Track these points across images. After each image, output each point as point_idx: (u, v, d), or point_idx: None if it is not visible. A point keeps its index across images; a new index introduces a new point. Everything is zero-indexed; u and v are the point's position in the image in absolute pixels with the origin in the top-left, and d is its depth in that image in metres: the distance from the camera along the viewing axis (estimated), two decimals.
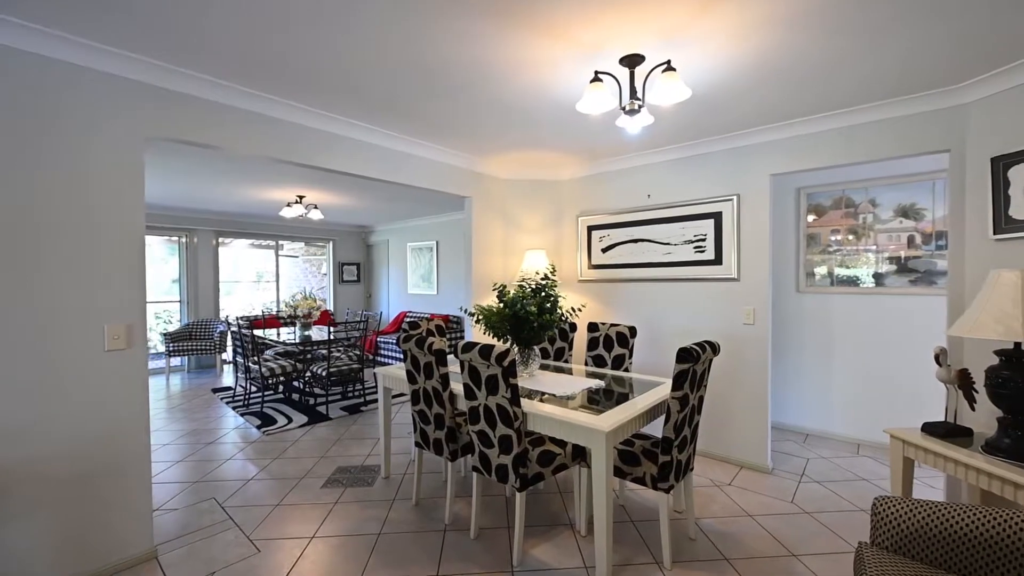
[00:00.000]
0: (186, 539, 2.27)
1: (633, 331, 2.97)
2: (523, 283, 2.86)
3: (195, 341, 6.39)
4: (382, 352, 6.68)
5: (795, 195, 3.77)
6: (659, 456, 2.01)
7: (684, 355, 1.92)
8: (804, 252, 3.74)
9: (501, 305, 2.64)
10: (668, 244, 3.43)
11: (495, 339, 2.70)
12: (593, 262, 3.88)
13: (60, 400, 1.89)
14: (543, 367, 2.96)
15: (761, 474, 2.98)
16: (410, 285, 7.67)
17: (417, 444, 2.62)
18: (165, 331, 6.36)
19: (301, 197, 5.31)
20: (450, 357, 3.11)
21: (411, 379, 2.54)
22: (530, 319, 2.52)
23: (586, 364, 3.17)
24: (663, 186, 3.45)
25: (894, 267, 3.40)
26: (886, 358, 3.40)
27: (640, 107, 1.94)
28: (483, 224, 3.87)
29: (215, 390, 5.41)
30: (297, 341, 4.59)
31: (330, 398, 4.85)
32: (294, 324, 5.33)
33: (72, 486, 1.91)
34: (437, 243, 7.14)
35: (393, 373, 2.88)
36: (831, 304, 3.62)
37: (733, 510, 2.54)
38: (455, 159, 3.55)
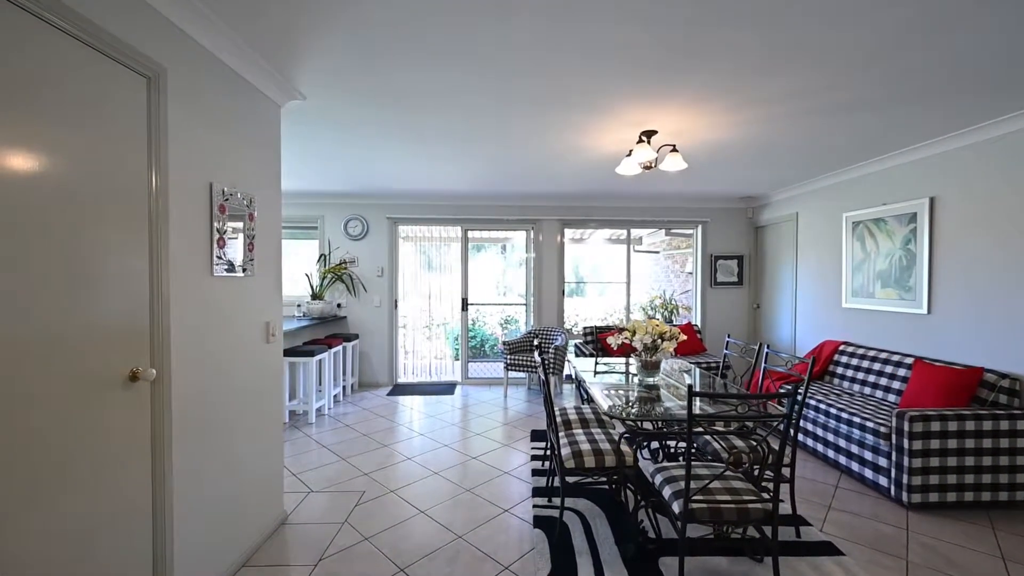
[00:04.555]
0: None
1: None
2: None
3: (533, 355, 5.30)
4: (808, 428, 3.50)
5: None
6: None
7: None
8: None
9: None
10: None
11: None
12: None
13: None
14: None
15: None
16: (847, 292, 4.08)
17: None
18: (505, 340, 5.60)
19: (647, 135, 3.01)
20: None
21: None
22: None
23: None
24: None
25: None
26: None
27: None
28: None
29: (535, 433, 3.92)
30: (626, 400, 2.32)
31: (692, 536, 2.31)
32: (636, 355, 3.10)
33: None
34: (931, 203, 3.29)
35: None
36: None
37: None
38: None
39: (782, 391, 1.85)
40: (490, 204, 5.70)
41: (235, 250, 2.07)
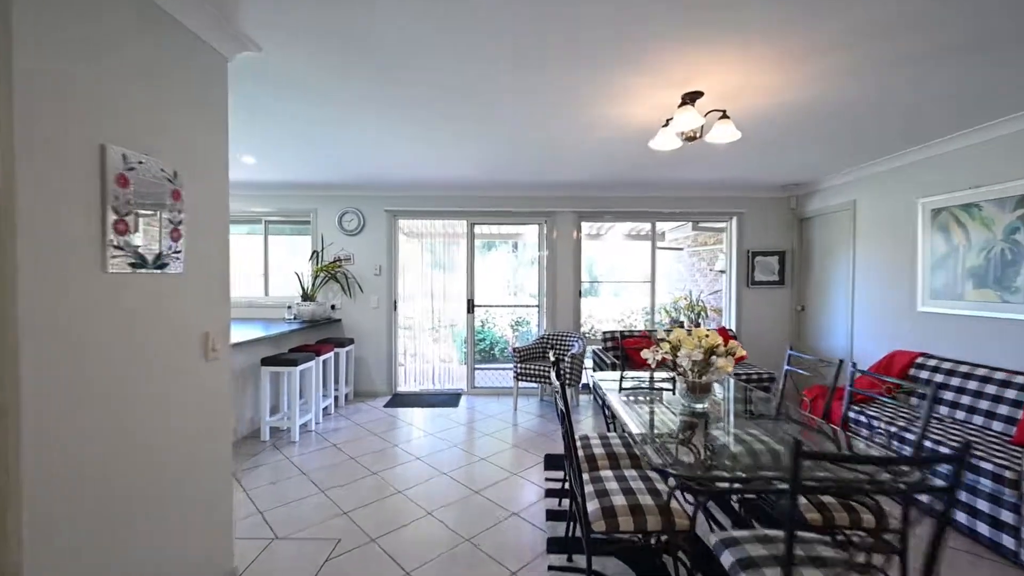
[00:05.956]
0: None
1: None
2: None
3: (545, 363, 4.72)
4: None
5: None
6: None
7: None
8: None
9: None
10: None
11: None
12: None
13: None
14: None
15: None
16: (924, 294, 3.41)
17: None
18: (516, 346, 5.03)
19: (693, 96, 2.41)
20: None
21: None
22: None
23: None
24: None
25: None
26: None
27: None
28: None
29: (549, 459, 3.34)
30: (652, 421, 1.72)
31: None
32: (672, 368, 2.49)
33: None
34: None
35: None
36: None
37: None
38: None
39: (945, 453, 1.25)
40: (499, 195, 5.14)
41: (149, 239, 1.55)
